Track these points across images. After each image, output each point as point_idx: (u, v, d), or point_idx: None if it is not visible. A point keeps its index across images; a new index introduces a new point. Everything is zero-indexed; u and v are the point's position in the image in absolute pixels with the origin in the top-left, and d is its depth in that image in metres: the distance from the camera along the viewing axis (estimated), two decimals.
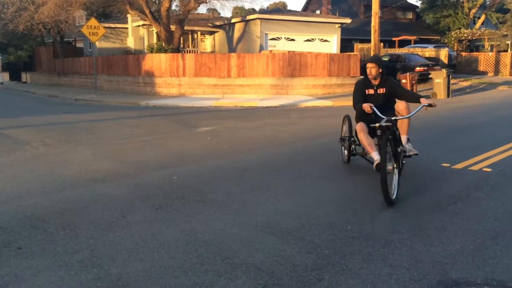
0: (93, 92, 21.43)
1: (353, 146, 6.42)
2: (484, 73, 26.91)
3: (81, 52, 33.28)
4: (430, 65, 21.76)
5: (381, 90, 5.76)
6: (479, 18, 38.60)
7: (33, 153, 7.98)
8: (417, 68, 20.82)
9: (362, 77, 5.93)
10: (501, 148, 7.65)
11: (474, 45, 36.05)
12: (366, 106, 5.31)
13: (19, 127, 11.13)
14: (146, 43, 26.02)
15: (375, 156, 5.28)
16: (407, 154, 5.67)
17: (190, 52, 26.32)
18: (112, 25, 29.51)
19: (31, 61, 36.64)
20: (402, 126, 5.75)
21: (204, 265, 3.51)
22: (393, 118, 5.11)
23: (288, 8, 57.71)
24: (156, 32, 24.21)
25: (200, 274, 3.38)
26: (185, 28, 23.90)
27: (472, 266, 3.46)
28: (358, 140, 5.84)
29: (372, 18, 20.72)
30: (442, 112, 12.61)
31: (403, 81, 16.92)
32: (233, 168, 6.66)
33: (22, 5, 25.81)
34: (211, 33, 29.60)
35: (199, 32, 28.78)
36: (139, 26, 27.49)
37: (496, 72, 26.78)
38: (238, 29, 26.87)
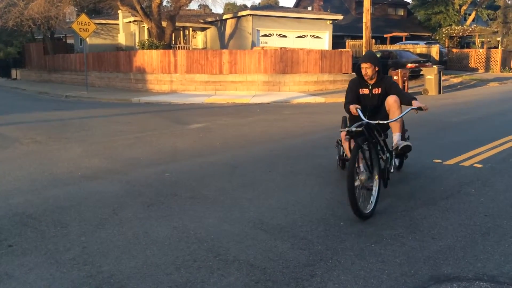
0: (84, 89, 21.28)
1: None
2: (475, 69, 27.08)
3: (71, 49, 33.02)
4: (422, 61, 21.88)
5: (377, 90, 5.25)
6: (469, 15, 38.84)
7: (23, 150, 7.91)
8: (409, 65, 20.92)
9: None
10: (492, 144, 7.71)
11: (465, 42, 36.29)
12: (353, 108, 4.90)
13: (9, 124, 11.03)
14: (137, 40, 25.86)
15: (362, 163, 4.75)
16: (399, 149, 5.12)
17: (181, 48, 26.22)
18: (103, 21, 29.27)
19: (21, 58, 36.28)
20: (395, 123, 5.20)
21: (197, 262, 3.51)
22: (375, 122, 4.65)
23: (280, 4, 57.69)
24: (147, 29, 24.07)
25: (192, 270, 3.37)
26: (177, 24, 23.79)
27: (464, 261, 3.48)
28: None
29: (364, 14, 20.77)
30: (433, 108, 12.66)
31: (395, 77, 16.95)
32: (225, 164, 6.65)
33: (12, 0, 25.53)
34: (203, 29, 29.49)
35: (190, 29, 28.66)
36: (130, 22, 27.31)
37: (487, 68, 26.97)
38: (229, 25, 26.79)
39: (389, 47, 28.45)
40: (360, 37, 23.88)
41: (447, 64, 27.58)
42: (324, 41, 26.73)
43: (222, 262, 3.51)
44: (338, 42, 30.73)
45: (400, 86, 16.60)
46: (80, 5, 27.44)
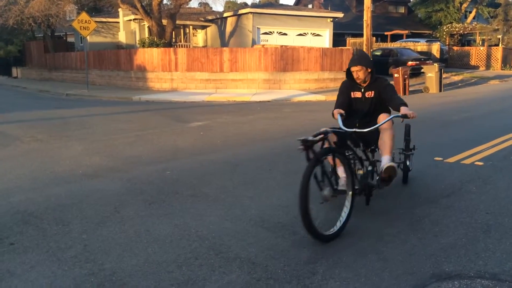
0: (85, 87, 21.26)
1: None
2: (475, 67, 27.06)
3: (72, 47, 33.01)
4: (422, 59, 21.87)
5: (370, 94, 4.74)
6: (470, 12, 38.79)
7: (24, 148, 7.92)
8: (409, 63, 20.91)
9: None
10: (493, 141, 7.70)
11: (465, 40, 36.28)
12: (335, 113, 4.50)
13: (10, 122, 11.03)
14: (137, 38, 25.84)
15: (340, 173, 4.31)
16: (382, 171, 4.34)
17: (182, 46, 26.21)
18: (103, 20, 29.26)
19: (21, 56, 36.29)
20: (383, 144, 4.52)
21: (198, 260, 3.51)
22: (352, 130, 4.24)
23: (280, 2, 57.55)
24: (148, 27, 24.05)
25: (194, 268, 3.38)
26: (177, 22, 23.76)
27: (465, 259, 3.48)
28: None
29: (364, 12, 20.73)
30: (434, 106, 12.68)
31: (396, 75, 16.97)
32: (226, 162, 6.65)
33: None
34: (203, 27, 29.46)
35: (191, 27, 28.63)
36: (130, 20, 27.29)
37: (488, 66, 26.95)
38: (230, 23, 26.77)
39: (390, 45, 28.45)
40: (361, 35, 23.86)
41: (448, 62, 27.55)
42: (325, 39, 26.72)
43: (224, 259, 3.51)
44: (338, 40, 30.72)
45: (401, 84, 16.62)
46: (81, 3, 27.42)
